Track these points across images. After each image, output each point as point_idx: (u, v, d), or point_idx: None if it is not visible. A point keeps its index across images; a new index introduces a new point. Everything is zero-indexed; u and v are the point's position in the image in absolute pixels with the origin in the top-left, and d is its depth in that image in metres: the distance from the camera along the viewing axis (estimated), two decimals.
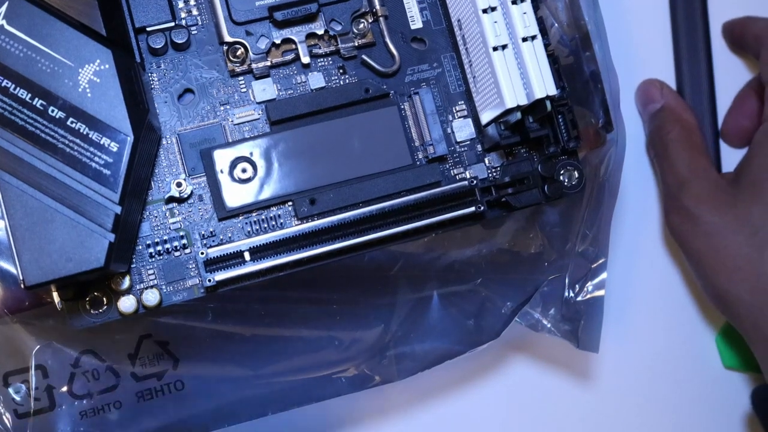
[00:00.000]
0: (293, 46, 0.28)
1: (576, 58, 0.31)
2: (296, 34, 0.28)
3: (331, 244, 0.26)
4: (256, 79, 0.28)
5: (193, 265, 0.27)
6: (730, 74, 0.38)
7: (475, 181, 0.27)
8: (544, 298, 0.33)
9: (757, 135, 0.33)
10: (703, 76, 0.37)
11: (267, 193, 0.27)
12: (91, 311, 0.26)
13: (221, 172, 0.27)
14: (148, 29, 0.27)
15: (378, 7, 0.28)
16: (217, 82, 0.28)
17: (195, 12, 0.28)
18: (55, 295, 0.25)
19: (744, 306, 0.32)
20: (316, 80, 0.28)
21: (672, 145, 0.34)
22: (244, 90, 0.28)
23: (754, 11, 0.37)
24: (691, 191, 0.33)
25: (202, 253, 0.26)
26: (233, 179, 0.27)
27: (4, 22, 0.23)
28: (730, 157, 0.38)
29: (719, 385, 0.38)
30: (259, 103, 0.28)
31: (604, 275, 0.33)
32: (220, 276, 0.26)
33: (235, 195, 0.27)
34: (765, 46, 0.34)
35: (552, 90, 0.25)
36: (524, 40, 0.25)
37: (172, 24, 0.27)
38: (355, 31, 0.28)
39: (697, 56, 0.37)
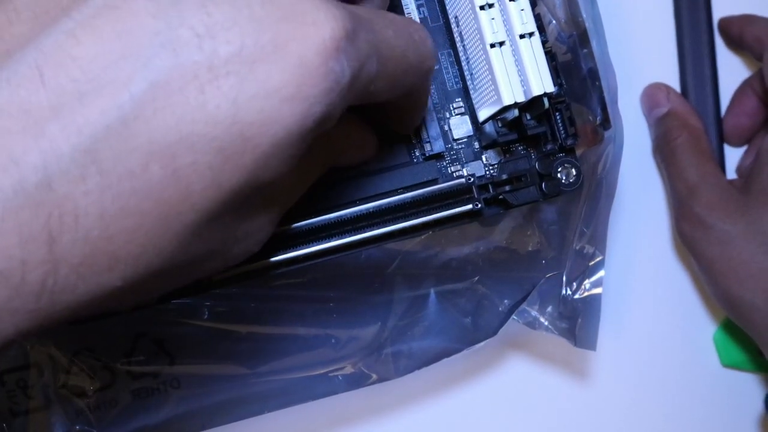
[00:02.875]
0: None
1: (574, 55, 0.31)
2: None
3: (327, 242, 0.26)
4: None
5: None
6: (729, 71, 0.38)
7: (472, 179, 0.27)
8: (542, 296, 0.33)
9: (766, 143, 0.33)
10: (707, 76, 0.37)
11: None
12: None
13: None
14: None
15: None
16: None
17: None
18: None
19: (758, 313, 0.32)
20: None
21: (679, 150, 0.34)
22: None
23: (758, 8, 0.37)
24: (702, 198, 0.33)
25: None
26: None
27: None
28: (730, 156, 0.38)
29: (717, 383, 0.38)
30: None
31: (601, 273, 0.33)
32: (216, 274, 0.26)
33: None
34: (767, 48, 0.34)
35: (549, 87, 0.25)
36: (522, 37, 0.25)
37: None
38: None
39: (701, 56, 0.37)
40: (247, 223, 0.18)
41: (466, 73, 0.28)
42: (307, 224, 0.26)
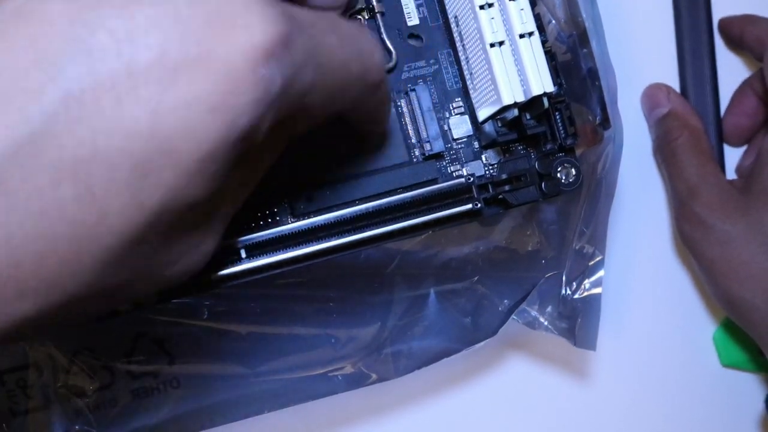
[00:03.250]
0: None
1: (573, 55, 0.31)
2: None
3: (327, 242, 0.26)
4: None
5: None
6: (729, 71, 0.38)
7: (472, 179, 0.27)
8: (541, 296, 0.33)
9: (766, 143, 0.33)
10: (706, 76, 0.37)
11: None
12: None
13: None
14: None
15: (374, 3, 0.28)
16: None
17: None
18: None
19: (758, 313, 0.32)
20: None
21: (680, 151, 0.34)
22: None
23: (758, 8, 0.37)
24: (702, 199, 0.33)
25: None
26: None
27: None
28: (729, 156, 0.38)
29: (717, 383, 0.38)
30: None
31: (601, 273, 0.33)
32: (216, 273, 0.26)
33: None
34: (767, 48, 0.34)
35: (549, 87, 0.25)
36: (521, 36, 0.25)
37: None
38: None
39: (701, 56, 0.37)
40: (180, 243, 0.17)
41: (465, 72, 0.28)
42: (307, 224, 0.26)
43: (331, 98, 0.18)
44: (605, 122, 0.31)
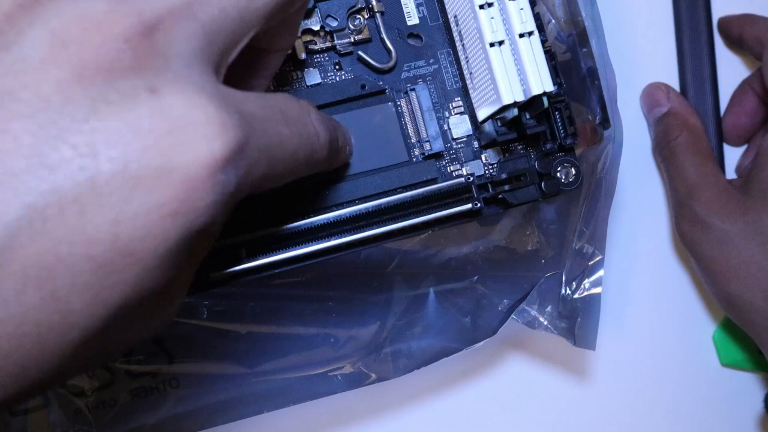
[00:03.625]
0: None
1: (573, 54, 0.31)
2: None
3: (327, 241, 0.26)
4: None
5: None
6: (729, 71, 0.38)
7: (471, 178, 0.27)
8: (541, 296, 0.33)
9: (765, 142, 0.33)
10: (706, 76, 0.37)
11: None
12: None
13: None
14: None
15: (374, 3, 0.28)
16: None
17: None
18: None
19: (758, 312, 0.32)
20: (312, 77, 0.28)
21: (679, 150, 0.34)
22: None
23: (758, 8, 0.37)
24: (702, 198, 0.33)
25: None
26: None
27: None
28: (729, 155, 0.38)
29: (717, 383, 0.38)
30: None
31: (601, 272, 0.33)
32: (215, 273, 0.26)
33: None
34: (767, 48, 0.34)
35: (549, 86, 0.25)
36: (521, 36, 0.25)
37: None
38: (351, 27, 0.28)
39: (701, 56, 0.37)
40: (141, 321, 0.17)
41: (465, 72, 0.28)
42: (307, 224, 0.26)
43: (279, 181, 0.19)
44: (605, 122, 0.31)
